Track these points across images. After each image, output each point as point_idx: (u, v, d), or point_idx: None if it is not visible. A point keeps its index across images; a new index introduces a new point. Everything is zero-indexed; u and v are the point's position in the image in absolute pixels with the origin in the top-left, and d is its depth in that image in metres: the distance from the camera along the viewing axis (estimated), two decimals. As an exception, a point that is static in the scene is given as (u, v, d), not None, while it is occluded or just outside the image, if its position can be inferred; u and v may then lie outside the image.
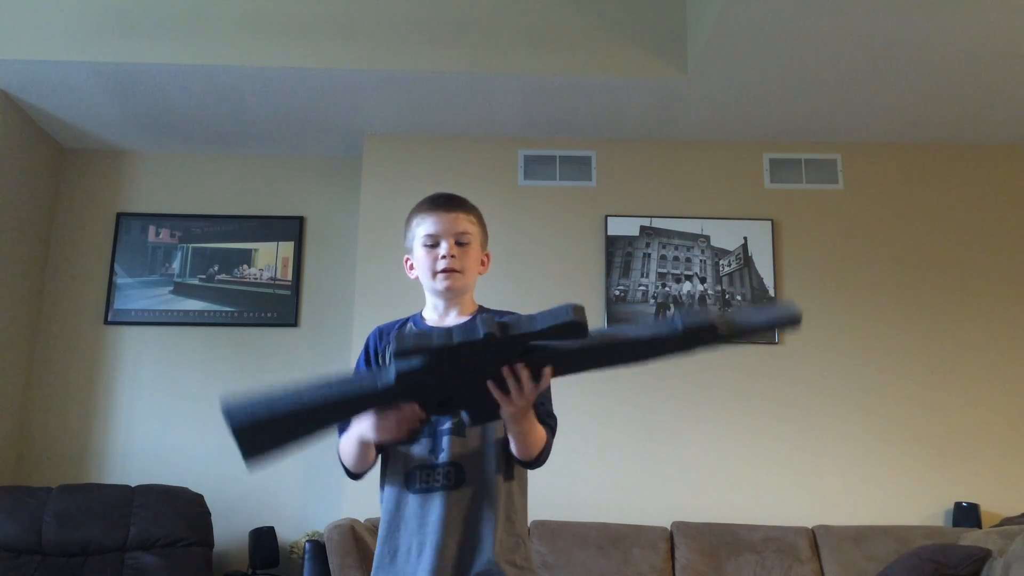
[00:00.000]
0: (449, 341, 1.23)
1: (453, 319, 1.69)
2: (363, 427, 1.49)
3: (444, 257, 1.63)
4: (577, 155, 4.25)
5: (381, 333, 1.71)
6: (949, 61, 3.49)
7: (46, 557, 3.46)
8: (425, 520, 1.55)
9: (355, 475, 1.63)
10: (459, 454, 1.56)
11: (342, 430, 1.60)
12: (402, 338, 1.25)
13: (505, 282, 4.02)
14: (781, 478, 3.89)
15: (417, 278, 1.71)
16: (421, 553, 1.54)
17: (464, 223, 1.68)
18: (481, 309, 1.73)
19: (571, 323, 1.21)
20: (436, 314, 1.70)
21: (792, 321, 1.35)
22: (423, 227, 1.67)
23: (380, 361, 1.66)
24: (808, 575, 3.50)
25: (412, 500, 1.57)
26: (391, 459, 1.62)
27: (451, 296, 1.68)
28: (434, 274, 1.65)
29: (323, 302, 4.31)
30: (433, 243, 1.66)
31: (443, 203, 1.68)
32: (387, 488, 1.62)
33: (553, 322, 1.22)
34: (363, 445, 1.54)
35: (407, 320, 1.73)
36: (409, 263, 1.73)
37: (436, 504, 1.55)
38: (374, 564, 1.61)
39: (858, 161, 4.26)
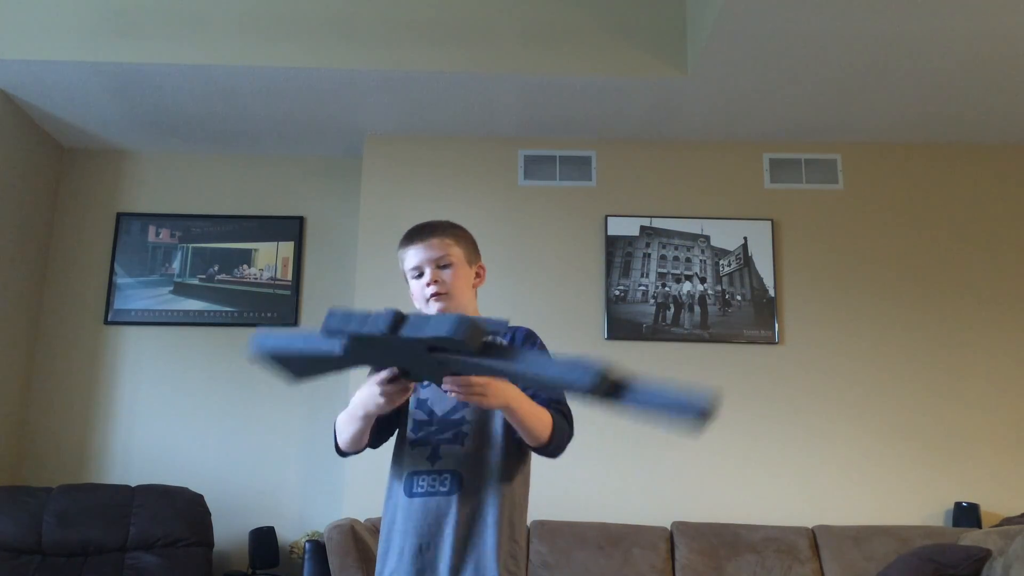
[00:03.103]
0: (358, 329, 1.29)
1: None
2: (359, 401, 1.54)
3: (428, 284, 1.69)
4: (577, 155, 4.25)
5: None
6: (949, 61, 3.49)
7: (46, 557, 3.46)
8: (422, 523, 1.58)
9: (344, 453, 1.68)
10: (458, 461, 1.60)
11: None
12: (331, 317, 1.31)
13: (505, 282, 4.02)
14: (781, 478, 3.89)
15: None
16: (422, 553, 1.57)
17: (440, 247, 1.71)
18: None
19: (448, 338, 1.24)
20: None
21: (699, 414, 1.20)
22: (406, 261, 1.74)
23: None
24: (808, 575, 3.50)
25: (412, 504, 1.60)
26: (394, 464, 1.67)
27: None
28: (426, 301, 1.70)
29: (323, 302, 4.31)
30: (418, 274, 1.72)
31: (416, 233, 1.74)
32: (390, 492, 1.66)
33: (435, 333, 1.25)
34: (363, 420, 1.57)
35: None
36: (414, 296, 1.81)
37: (435, 509, 1.58)
38: (377, 560, 1.65)
39: (858, 161, 4.26)
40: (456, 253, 1.73)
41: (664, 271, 4.11)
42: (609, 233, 4.14)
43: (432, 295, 1.69)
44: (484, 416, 1.62)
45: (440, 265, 1.70)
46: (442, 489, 1.58)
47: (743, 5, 3.12)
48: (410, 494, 1.60)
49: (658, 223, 4.16)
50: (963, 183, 4.23)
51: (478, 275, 1.79)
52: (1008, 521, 3.52)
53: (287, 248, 4.36)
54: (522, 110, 3.98)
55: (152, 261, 4.32)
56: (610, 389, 1.23)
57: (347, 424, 1.61)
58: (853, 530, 3.63)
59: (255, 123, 4.14)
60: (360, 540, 3.09)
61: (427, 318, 1.29)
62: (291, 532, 3.97)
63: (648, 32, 3.69)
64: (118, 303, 4.26)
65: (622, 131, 4.19)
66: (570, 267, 4.13)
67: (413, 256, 1.72)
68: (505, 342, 1.72)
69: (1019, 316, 4.07)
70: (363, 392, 1.52)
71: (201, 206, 4.40)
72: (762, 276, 4.10)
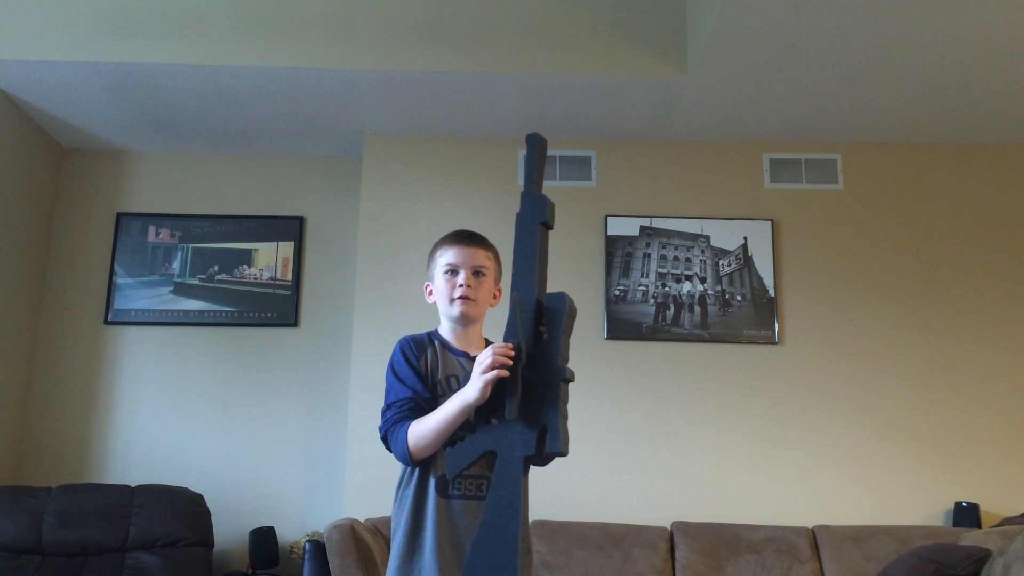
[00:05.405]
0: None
1: (473, 348, 1.83)
2: (461, 399, 1.58)
3: (461, 285, 1.81)
4: (577, 155, 4.25)
5: (412, 345, 1.81)
6: (949, 61, 3.49)
7: (46, 557, 3.46)
8: (457, 524, 1.66)
9: (418, 461, 1.70)
10: (491, 467, 1.65)
11: (405, 418, 1.69)
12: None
13: (505, 283, 4.01)
14: (781, 478, 3.89)
15: (435, 304, 1.87)
16: (454, 551, 1.65)
17: (482, 258, 1.85)
18: (488, 343, 1.86)
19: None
20: (454, 337, 1.85)
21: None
22: (445, 257, 1.85)
23: (427, 373, 1.78)
24: (808, 575, 3.51)
25: (446, 505, 1.68)
26: (426, 466, 1.71)
27: (465, 322, 1.84)
28: (451, 300, 1.82)
29: (323, 302, 4.31)
30: (452, 271, 1.83)
31: (466, 238, 1.87)
32: (417, 490, 1.70)
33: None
34: (458, 418, 1.61)
35: (429, 336, 1.84)
36: (429, 289, 1.89)
37: (476, 512, 1.64)
38: (396, 557, 1.69)
39: (858, 161, 4.26)
40: (491, 268, 1.88)
41: (664, 271, 4.11)
42: (609, 233, 4.14)
43: (461, 296, 1.81)
44: None
45: (476, 273, 1.83)
46: (480, 494, 1.66)
47: (743, 5, 3.12)
48: (446, 495, 1.68)
49: (658, 223, 4.16)
50: (963, 183, 4.23)
51: (495, 296, 1.91)
52: (1008, 521, 3.52)
53: (287, 248, 4.36)
54: (522, 110, 3.98)
55: (152, 261, 4.32)
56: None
57: (439, 430, 1.64)
58: (853, 530, 3.63)
59: (255, 123, 4.14)
60: (360, 540, 3.09)
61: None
62: (291, 532, 3.97)
63: (648, 32, 3.69)
64: (118, 303, 4.26)
65: (622, 131, 4.19)
66: (570, 267, 4.12)
67: (456, 255, 1.83)
68: None
69: (1019, 316, 4.07)
70: (469, 388, 1.57)
71: (201, 206, 4.40)
72: (762, 276, 4.10)
